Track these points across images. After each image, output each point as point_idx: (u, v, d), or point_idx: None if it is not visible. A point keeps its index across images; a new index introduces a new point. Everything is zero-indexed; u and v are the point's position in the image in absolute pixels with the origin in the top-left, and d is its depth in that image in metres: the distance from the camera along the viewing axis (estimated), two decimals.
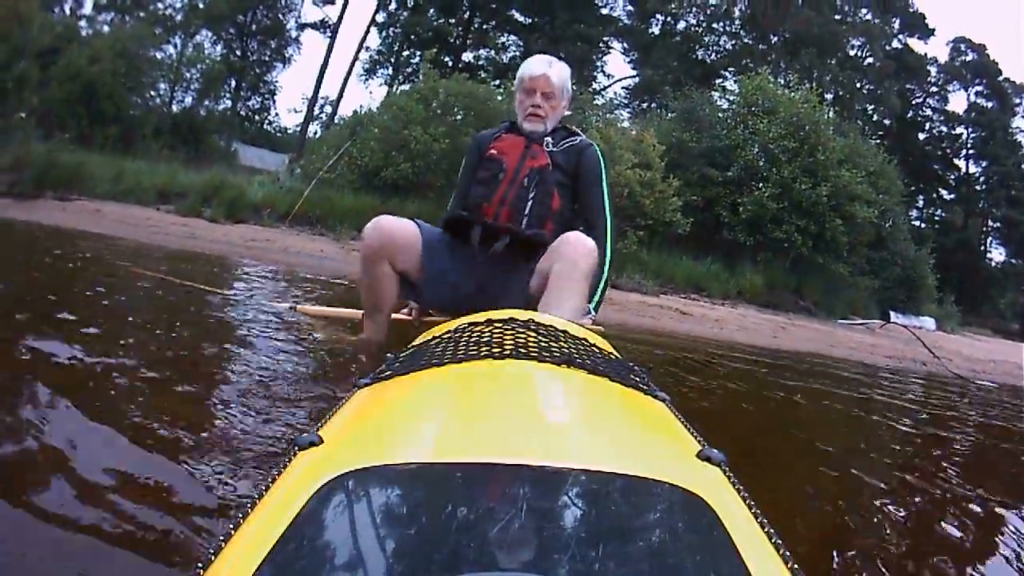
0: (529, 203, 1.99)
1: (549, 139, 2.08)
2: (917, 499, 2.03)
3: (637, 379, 0.84)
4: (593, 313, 1.93)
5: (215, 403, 1.74)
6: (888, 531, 1.67)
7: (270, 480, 0.52)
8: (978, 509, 2.01)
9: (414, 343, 1.14)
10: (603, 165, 2.13)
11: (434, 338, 1.01)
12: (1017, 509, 2.09)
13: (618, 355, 1.07)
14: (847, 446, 2.83)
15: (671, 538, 0.45)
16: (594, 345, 1.03)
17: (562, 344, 0.90)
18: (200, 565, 0.41)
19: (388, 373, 0.82)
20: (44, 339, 2.17)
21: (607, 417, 0.72)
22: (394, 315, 2.24)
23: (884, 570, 1.38)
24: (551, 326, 1.00)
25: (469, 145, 2.25)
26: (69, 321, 2.46)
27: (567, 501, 0.47)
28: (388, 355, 0.99)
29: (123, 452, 1.33)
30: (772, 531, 0.46)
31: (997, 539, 1.71)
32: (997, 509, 2.05)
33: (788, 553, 0.44)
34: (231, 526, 0.46)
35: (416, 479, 0.49)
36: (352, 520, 0.45)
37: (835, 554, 1.42)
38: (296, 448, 0.56)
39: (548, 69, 2.09)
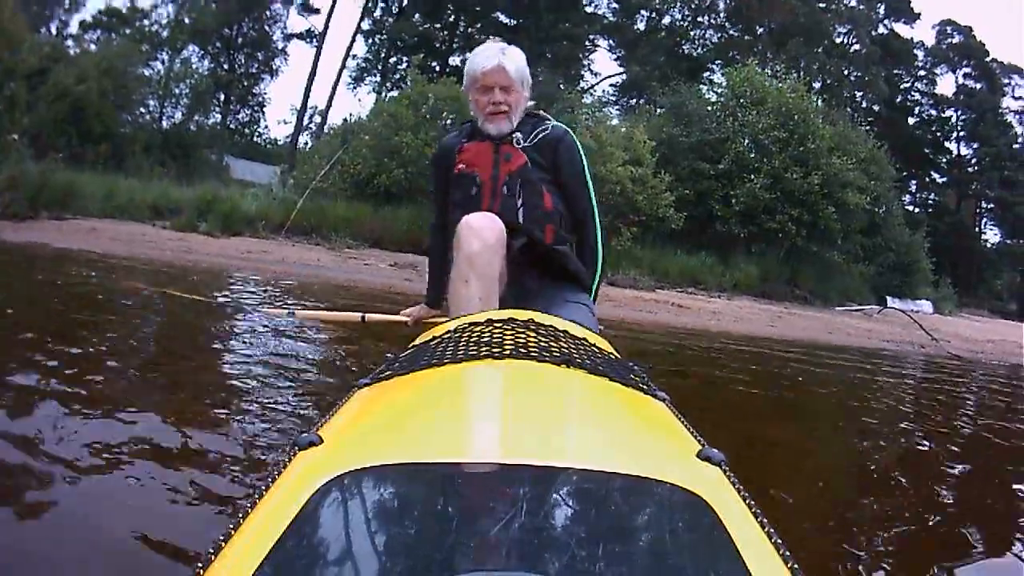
0: (520, 211, 1.75)
1: (518, 135, 1.83)
2: (917, 495, 2.02)
3: (637, 379, 0.84)
4: None
5: (215, 406, 1.74)
6: (888, 530, 1.66)
7: (270, 480, 0.52)
8: (980, 504, 1.99)
9: (414, 343, 1.14)
10: (582, 152, 1.90)
11: (434, 338, 1.01)
12: (1020, 506, 2.08)
13: (617, 355, 1.07)
14: (846, 438, 2.82)
15: (671, 538, 0.45)
16: (594, 345, 1.03)
17: (562, 344, 0.89)
18: (200, 565, 0.41)
19: (388, 373, 0.81)
20: (48, 347, 2.17)
21: (607, 417, 0.72)
22: (393, 316, 2.23)
23: (884, 569, 1.38)
24: (551, 326, 1.00)
25: (432, 159, 2.00)
26: (76, 335, 2.46)
27: (567, 501, 0.47)
28: (388, 355, 0.99)
29: (124, 455, 1.33)
30: (772, 531, 0.46)
31: (999, 538, 1.69)
32: (1000, 506, 2.04)
33: (788, 553, 0.44)
34: (231, 526, 0.46)
35: (415, 479, 0.49)
36: (352, 520, 0.45)
37: (835, 554, 1.42)
38: (296, 448, 0.56)
39: (501, 58, 1.79)
